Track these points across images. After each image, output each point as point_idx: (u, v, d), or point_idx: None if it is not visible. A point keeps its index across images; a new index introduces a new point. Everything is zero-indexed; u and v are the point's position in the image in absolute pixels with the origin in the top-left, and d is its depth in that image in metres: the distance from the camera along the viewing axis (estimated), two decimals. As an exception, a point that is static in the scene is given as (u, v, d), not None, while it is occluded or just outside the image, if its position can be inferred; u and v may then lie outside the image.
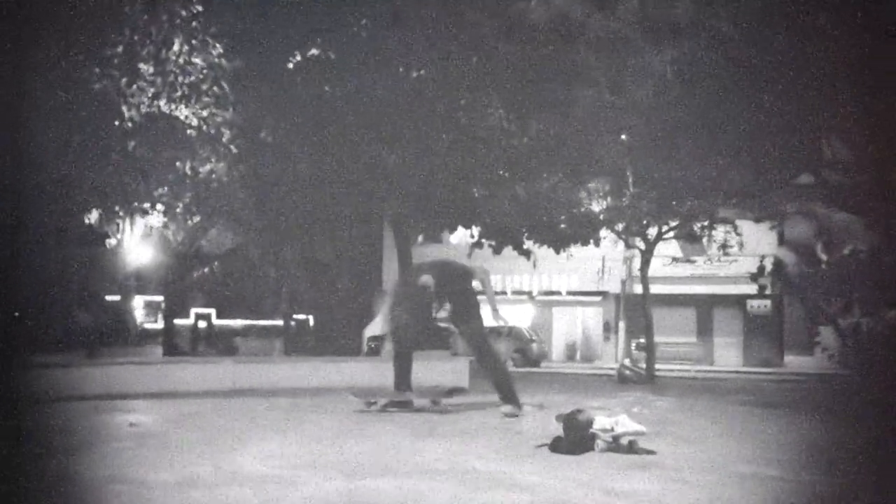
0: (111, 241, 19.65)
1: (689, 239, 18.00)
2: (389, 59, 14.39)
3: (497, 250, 18.07)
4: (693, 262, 22.49)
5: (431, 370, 11.04)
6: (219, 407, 7.70)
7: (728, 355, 30.55)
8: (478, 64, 14.35)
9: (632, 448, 5.00)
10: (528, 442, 5.36)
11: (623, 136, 15.64)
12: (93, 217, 16.17)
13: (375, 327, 28.84)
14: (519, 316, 32.93)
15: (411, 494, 3.72)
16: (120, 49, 12.44)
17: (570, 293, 33.01)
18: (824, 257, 16.20)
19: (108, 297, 23.91)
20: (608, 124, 14.90)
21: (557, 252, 18.04)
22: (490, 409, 7.85)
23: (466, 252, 19.03)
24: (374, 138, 14.53)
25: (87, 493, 3.61)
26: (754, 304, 29.28)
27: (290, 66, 14.60)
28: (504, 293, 33.52)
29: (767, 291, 19.84)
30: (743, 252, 17.85)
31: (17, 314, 19.74)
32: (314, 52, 14.51)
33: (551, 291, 33.16)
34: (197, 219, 18.06)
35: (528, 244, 18.00)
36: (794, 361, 27.61)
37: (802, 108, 11.94)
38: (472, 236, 18.59)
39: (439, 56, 14.36)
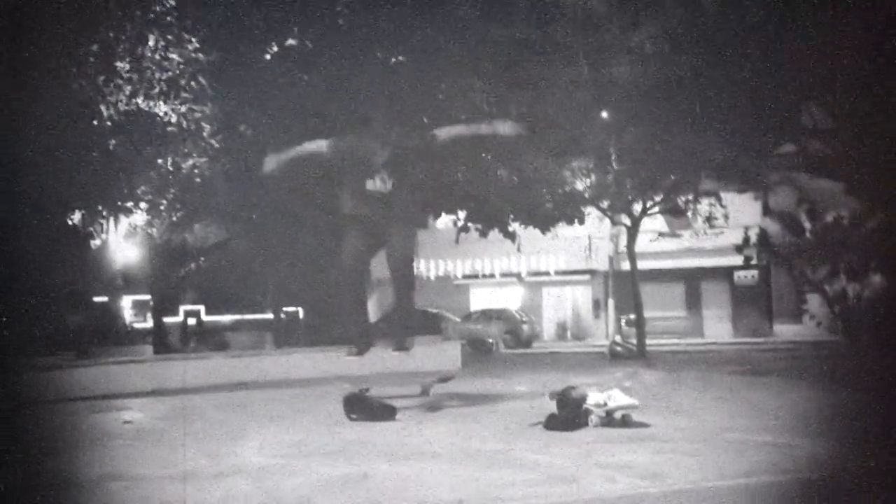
0: (96, 242, 19.56)
1: (674, 213, 18.09)
2: (367, 46, 14.34)
3: (483, 233, 18.10)
4: (679, 236, 22.61)
5: (422, 355, 11.04)
6: (213, 401, 7.71)
7: (717, 327, 30.75)
8: (456, 47, 14.30)
9: (625, 422, 5.05)
10: (523, 421, 5.39)
11: (604, 114, 15.65)
12: (76, 217, 16.10)
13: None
14: (508, 298, 33.02)
15: (410, 477, 3.75)
16: (96, 47, 12.36)
17: (558, 273, 33.10)
18: (808, 225, 16.30)
19: (96, 298, 23.79)
20: (589, 102, 14.91)
21: (543, 232, 18.09)
22: (484, 393, 7.90)
23: (453, 237, 19.09)
24: (354, 126, 14.47)
25: (84, 492, 3.62)
26: (741, 276, 29.46)
27: (268, 57, 14.53)
28: (493, 276, 33.61)
29: (753, 262, 19.92)
30: (728, 224, 17.93)
31: (4, 318, 19.65)
32: (291, 42, 14.44)
33: (539, 272, 33.23)
34: (181, 215, 18.00)
35: (513, 226, 18.02)
36: (783, 330, 27.85)
37: (782, 78, 11.98)
38: (458, 220, 18.60)
39: (417, 40, 14.31)
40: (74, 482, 3.84)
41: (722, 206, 17.51)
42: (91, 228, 17.74)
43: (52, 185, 13.36)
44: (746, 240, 17.85)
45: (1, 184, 12.75)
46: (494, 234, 18.09)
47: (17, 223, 14.54)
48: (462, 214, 18.14)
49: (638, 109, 14.41)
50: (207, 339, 24.44)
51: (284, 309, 27.22)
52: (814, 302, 18.18)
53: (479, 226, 17.92)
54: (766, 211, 21.68)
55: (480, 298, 33.98)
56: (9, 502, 3.43)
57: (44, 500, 3.44)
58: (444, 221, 24.32)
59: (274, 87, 14.41)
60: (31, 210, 14.08)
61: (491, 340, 23.64)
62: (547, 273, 33.28)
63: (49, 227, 15.47)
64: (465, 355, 13.28)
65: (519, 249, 18.85)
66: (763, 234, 17.83)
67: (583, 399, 5.17)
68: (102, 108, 12.75)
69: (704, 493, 3.42)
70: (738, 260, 19.94)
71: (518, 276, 33.49)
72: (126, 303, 25.59)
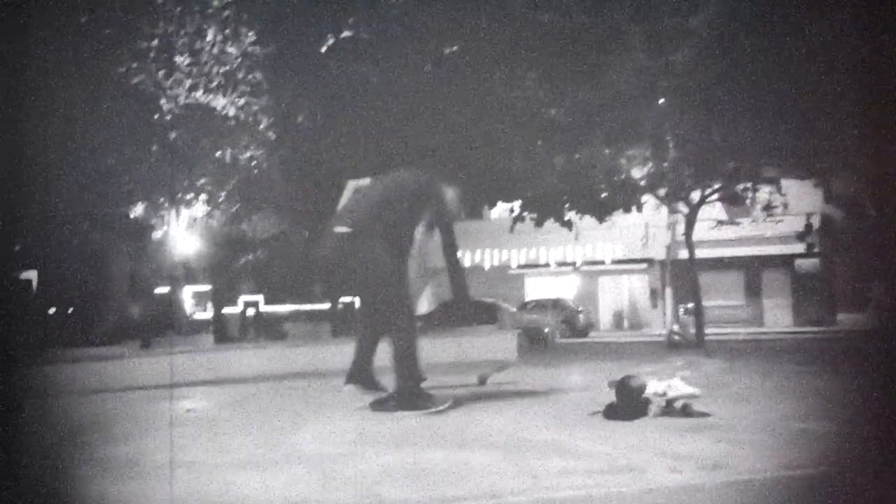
0: (157, 234, 19.99)
1: (733, 201, 17.76)
2: (422, 37, 14.36)
3: (538, 223, 18.02)
4: (738, 223, 22.18)
5: (478, 345, 11.08)
6: (272, 390, 7.82)
7: (778, 316, 30.22)
8: (511, 35, 14.25)
9: (686, 411, 4.97)
10: (581, 410, 5.36)
11: (661, 100, 15.43)
12: (138, 210, 16.48)
13: (422, 306, 28.99)
14: (564, 287, 32.87)
15: (469, 466, 3.75)
16: (155, 42, 12.63)
17: (614, 262, 32.84)
18: (873, 212, 15.89)
19: (158, 289, 24.32)
20: (645, 89, 14.72)
21: (600, 221, 17.95)
22: (541, 382, 7.87)
23: (508, 226, 19.05)
24: (409, 117, 14.54)
25: (149, 478, 3.70)
26: (802, 264, 28.86)
27: (324, 49, 14.64)
28: (548, 265, 33.48)
29: (816, 249, 19.49)
30: (788, 211, 17.57)
31: (70, 310, 20.18)
32: (347, 33, 14.53)
33: (595, 261, 33.01)
34: (239, 206, 18.29)
35: (569, 215, 17.91)
36: (846, 319, 27.20)
37: (846, 63, 11.67)
38: (513, 210, 18.55)
39: (471, 30, 14.29)
40: (139, 468, 3.92)
41: (782, 193, 17.16)
42: (152, 220, 18.14)
43: (115, 178, 13.68)
44: (808, 227, 17.49)
45: (64, 178, 13.08)
46: (550, 223, 18.01)
47: (81, 216, 14.93)
48: (517, 203, 18.08)
49: (695, 95, 14.19)
50: (266, 329, 24.82)
51: (341, 299, 27.47)
52: (879, 291, 17.71)
53: (535, 215, 17.85)
54: (829, 198, 21.16)
55: (536, 288, 33.89)
56: (75, 488, 3.53)
57: (110, 486, 3.52)
58: (499, 211, 24.29)
59: (329, 79, 14.53)
60: (94, 203, 14.43)
61: (547, 330, 23.55)
62: (603, 262, 33.04)
63: (112, 220, 15.85)
64: (521, 345, 13.28)
65: (576, 238, 18.73)
66: (826, 221, 17.42)
67: (642, 388, 5.11)
68: (163, 101, 13.02)
69: (769, 484, 3.36)
70: (799, 248, 19.56)
71: (574, 265, 33.30)
72: (187, 294, 26.10)
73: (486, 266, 33.65)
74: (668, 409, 5.02)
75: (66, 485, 3.62)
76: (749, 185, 16.70)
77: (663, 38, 13.74)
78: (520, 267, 34.21)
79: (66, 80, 12.13)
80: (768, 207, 17.31)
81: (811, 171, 16.24)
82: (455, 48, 14.72)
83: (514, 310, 28.38)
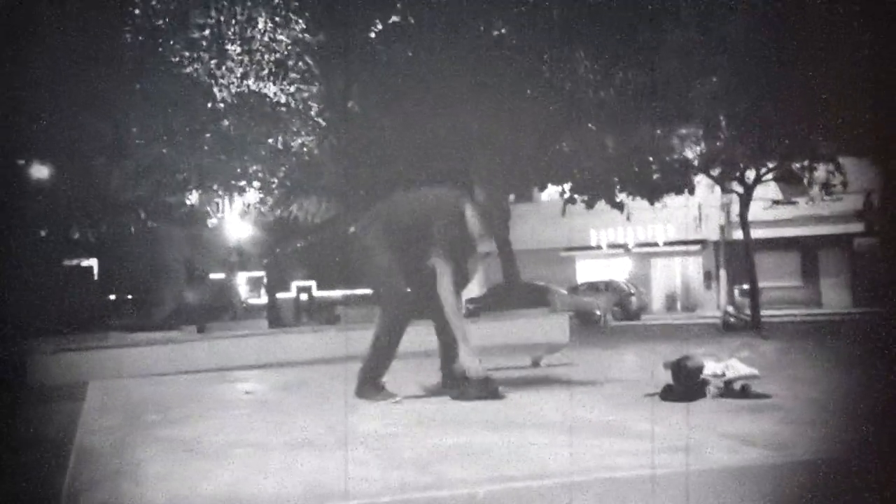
0: (212, 220, 20.27)
1: (789, 179, 17.41)
2: (469, 20, 14.30)
3: (590, 205, 17.89)
4: (795, 203, 21.71)
5: (530, 327, 11.06)
6: (327, 373, 7.89)
7: (836, 296, 29.57)
8: (559, 16, 14.11)
9: (745, 392, 4.90)
10: (636, 391, 5.32)
11: (713, 78, 15.16)
12: (193, 197, 16.74)
13: (473, 290, 29.01)
14: (615, 269, 32.60)
15: (524, 447, 3.75)
16: (207, 32, 12.78)
17: (667, 243, 32.47)
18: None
19: (213, 275, 24.69)
20: (697, 66, 14.47)
21: (651, 203, 17.75)
22: (594, 364, 7.83)
23: (559, 208, 18.95)
24: (458, 100, 14.50)
25: (209, 457, 3.76)
26: (862, 243, 28.17)
27: (372, 35, 14.68)
28: (599, 247, 33.22)
29: (876, 228, 19.02)
30: (847, 190, 17.16)
31: (129, 296, 20.61)
32: (395, 18, 14.55)
33: (648, 243, 32.67)
34: (291, 192, 18.46)
35: (620, 197, 17.74)
36: (908, 300, 26.50)
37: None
38: (564, 192, 18.44)
39: (519, 11, 14.19)
40: (199, 448, 3.99)
41: (840, 171, 16.75)
42: (207, 207, 18.41)
43: (170, 167, 13.91)
44: (869, 205, 17.05)
45: (120, 168, 13.33)
46: (601, 204, 17.86)
47: (137, 205, 15.21)
48: (568, 186, 17.97)
49: (749, 72, 13.90)
50: (319, 314, 25.04)
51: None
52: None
53: (586, 197, 17.72)
54: (889, 174, 20.62)
55: (587, 270, 33.68)
56: (136, 469, 3.60)
57: (171, 466, 3.59)
58: (550, 193, 24.16)
59: (379, 64, 14.56)
60: (150, 192, 14.70)
61: (599, 312, 23.43)
62: (655, 244, 32.68)
63: (168, 208, 16.13)
64: (574, 327, 13.23)
65: (628, 219, 18.55)
66: (886, 199, 16.97)
67: (699, 369, 5.05)
68: (215, 90, 13.18)
69: (832, 465, 3.30)
70: (858, 227, 19.09)
71: (625, 247, 33.01)
72: (241, 279, 26.45)
73: (536, 248, 33.51)
74: (727, 390, 4.95)
75: (131, 463, 3.71)
76: (805, 163, 16.34)
77: (716, 12, 13.49)
78: (571, 249, 33.99)
79: (121, 70, 12.34)
80: (826, 186, 16.91)
81: (870, 147, 15.84)
82: (503, 30, 14.64)
83: (566, 292, 28.24)
